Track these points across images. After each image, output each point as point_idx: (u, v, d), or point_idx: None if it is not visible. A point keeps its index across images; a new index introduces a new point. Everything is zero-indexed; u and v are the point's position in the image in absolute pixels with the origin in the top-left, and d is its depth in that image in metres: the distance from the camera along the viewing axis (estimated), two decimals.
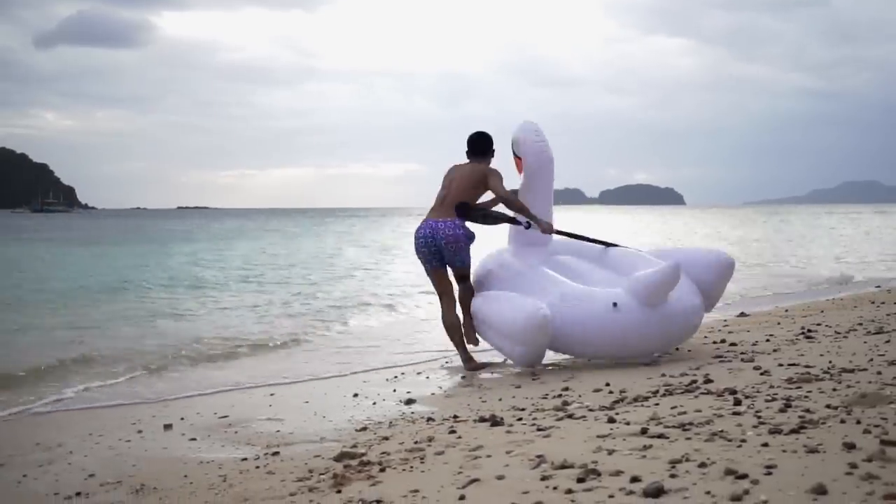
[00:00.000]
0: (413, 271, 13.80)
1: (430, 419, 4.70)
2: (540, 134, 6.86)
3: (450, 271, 6.63)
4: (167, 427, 5.03)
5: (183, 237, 41.58)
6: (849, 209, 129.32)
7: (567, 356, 6.58)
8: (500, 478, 3.06)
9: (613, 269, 6.68)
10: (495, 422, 4.24)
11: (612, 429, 3.71)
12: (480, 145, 6.73)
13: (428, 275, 6.71)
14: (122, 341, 8.61)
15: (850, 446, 2.96)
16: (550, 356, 6.46)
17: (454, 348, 6.79)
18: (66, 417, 5.58)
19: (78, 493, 3.80)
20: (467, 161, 6.74)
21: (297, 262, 22.09)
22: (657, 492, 2.64)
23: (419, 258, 6.65)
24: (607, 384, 5.18)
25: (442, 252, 6.49)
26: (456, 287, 6.70)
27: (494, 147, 6.77)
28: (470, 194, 6.54)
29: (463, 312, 6.68)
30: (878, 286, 13.01)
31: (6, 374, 6.79)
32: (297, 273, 18.60)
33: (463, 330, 6.69)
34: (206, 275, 17.90)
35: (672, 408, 4.07)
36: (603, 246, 7.03)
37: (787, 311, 9.65)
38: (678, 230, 37.25)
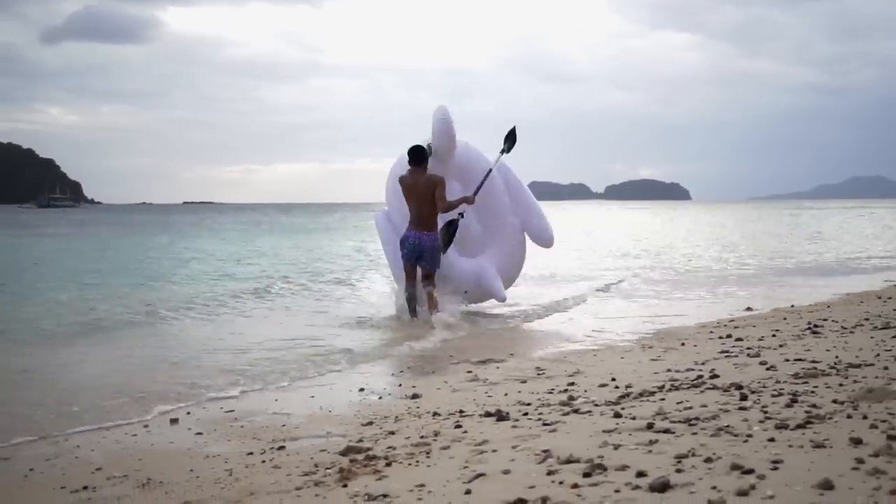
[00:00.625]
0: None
1: (435, 414, 4.70)
2: (442, 114, 9.02)
3: (418, 270, 8.97)
4: (173, 421, 5.04)
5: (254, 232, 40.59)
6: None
7: (573, 350, 6.64)
8: (506, 472, 3.07)
9: (484, 228, 9.56)
10: (501, 416, 4.24)
11: (617, 423, 3.71)
12: (421, 156, 8.88)
13: (404, 265, 8.99)
14: None
15: (856, 441, 2.95)
16: (556, 351, 6.47)
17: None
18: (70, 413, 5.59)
19: (84, 487, 3.81)
20: (412, 169, 8.89)
21: None
22: (663, 486, 2.63)
23: (402, 255, 8.96)
24: (613, 379, 5.18)
25: (422, 255, 8.85)
26: (419, 277, 8.99)
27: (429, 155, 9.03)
28: (431, 203, 8.79)
29: (427, 295, 8.89)
30: (887, 280, 12.98)
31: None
32: None
33: (419, 303, 9.00)
34: None
35: (678, 403, 4.07)
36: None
37: (792, 306, 9.64)
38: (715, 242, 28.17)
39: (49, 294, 12.42)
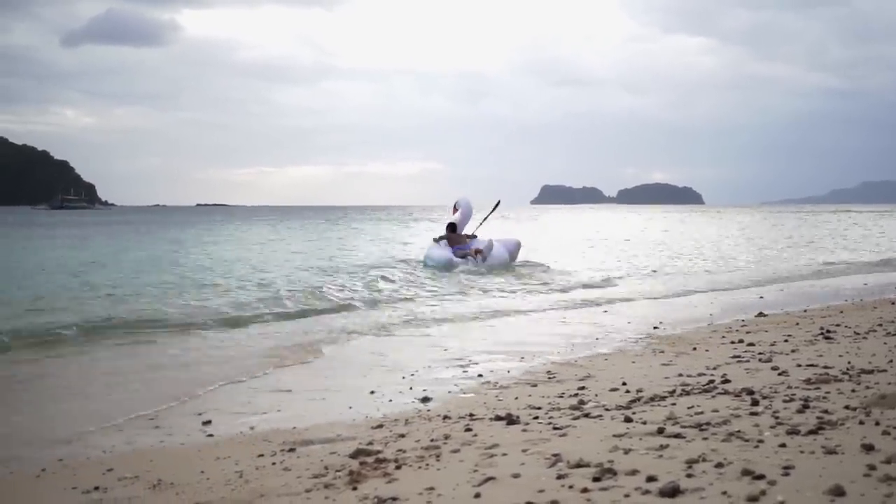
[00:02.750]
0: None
1: (445, 417, 4.69)
2: (468, 204, 18.56)
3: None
4: (185, 422, 5.05)
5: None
6: None
7: (583, 356, 6.70)
8: (516, 476, 3.06)
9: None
10: (511, 420, 4.24)
11: (628, 428, 3.70)
12: (453, 228, 17.99)
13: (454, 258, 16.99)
14: None
15: (868, 448, 2.94)
16: (567, 355, 6.47)
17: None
18: (82, 415, 5.62)
19: (96, 488, 3.82)
20: (450, 233, 17.99)
21: None
22: (673, 491, 2.63)
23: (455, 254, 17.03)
24: (624, 383, 5.17)
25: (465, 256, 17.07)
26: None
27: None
28: (461, 241, 17.71)
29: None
30: None
31: None
32: None
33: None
34: None
35: (689, 407, 4.06)
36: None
37: (805, 311, 9.59)
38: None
39: None
